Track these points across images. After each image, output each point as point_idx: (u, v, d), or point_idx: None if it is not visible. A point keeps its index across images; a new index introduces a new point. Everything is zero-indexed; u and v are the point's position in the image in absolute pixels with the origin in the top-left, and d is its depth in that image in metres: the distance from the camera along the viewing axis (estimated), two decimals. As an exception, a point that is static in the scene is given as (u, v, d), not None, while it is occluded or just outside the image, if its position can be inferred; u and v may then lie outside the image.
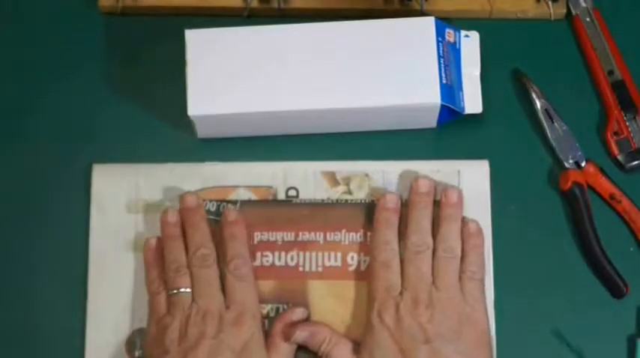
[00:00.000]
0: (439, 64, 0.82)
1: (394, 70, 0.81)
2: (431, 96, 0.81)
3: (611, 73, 0.87)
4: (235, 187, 0.85)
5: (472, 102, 0.84)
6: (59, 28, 0.89)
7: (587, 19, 0.88)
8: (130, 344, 0.82)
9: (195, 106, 0.81)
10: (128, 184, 0.84)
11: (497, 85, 0.87)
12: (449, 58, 0.83)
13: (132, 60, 0.88)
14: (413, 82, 0.81)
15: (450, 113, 0.83)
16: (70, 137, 0.86)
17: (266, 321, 0.80)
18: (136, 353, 0.82)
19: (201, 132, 0.84)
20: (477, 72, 0.85)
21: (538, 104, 0.86)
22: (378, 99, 0.81)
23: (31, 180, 0.86)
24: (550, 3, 0.88)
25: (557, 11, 0.88)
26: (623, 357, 0.82)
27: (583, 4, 0.88)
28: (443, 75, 0.82)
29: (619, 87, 0.86)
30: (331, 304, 0.81)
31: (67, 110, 0.87)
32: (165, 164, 0.85)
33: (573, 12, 0.88)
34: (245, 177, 0.85)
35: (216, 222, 0.82)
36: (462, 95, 0.84)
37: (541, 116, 0.86)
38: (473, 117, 0.86)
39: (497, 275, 0.82)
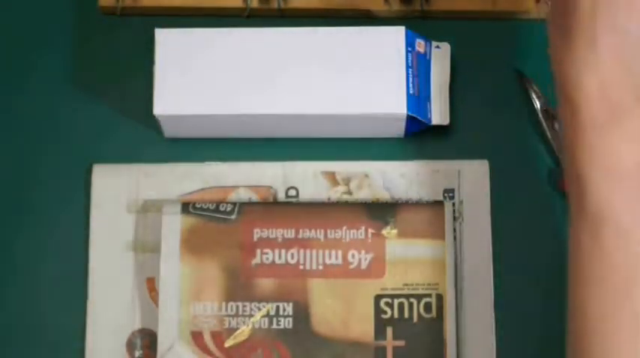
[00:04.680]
0: (407, 74, 0.82)
1: (361, 79, 0.81)
2: (397, 107, 0.81)
3: (611, 73, 0.87)
4: (235, 187, 0.85)
5: (440, 113, 0.84)
6: (59, 28, 0.89)
7: (587, 19, 0.88)
8: (130, 344, 0.82)
9: (161, 106, 0.81)
10: (128, 184, 0.84)
11: (497, 85, 0.87)
12: (418, 69, 0.83)
13: (132, 60, 0.88)
14: (379, 91, 0.81)
15: (418, 123, 0.83)
16: (70, 137, 0.87)
17: (265, 319, 0.81)
18: (136, 354, 0.82)
19: (168, 131, 0.85)
20: (446, 83, 0.85)
21: (538, 104, 0.86)
22: (344, 106, 0.81)
23: (30, 180, 0.86)
24: (550, 3, 0.88)
25: (557, 11, 0.88)
26: (624, 357, 0.82)
27: (583, 4, 0.88)
28: (410, 85, 0.82)
29: (619, 87, 0.86)
30: (332, 303, 0.81)
31: (67, 110, 0.87)
32: (166, 164, 0.85)
33: (573, 12, 0.88)
34: (245, 177, 0.85)
35: (217, 220, 0.82)
36: (430, 106, 0.84)
37: (541, 116, 0.86)
38: (473, 117, 0.86)
39: (497, 275, 0.82)
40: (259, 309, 0.81)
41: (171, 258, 0.82)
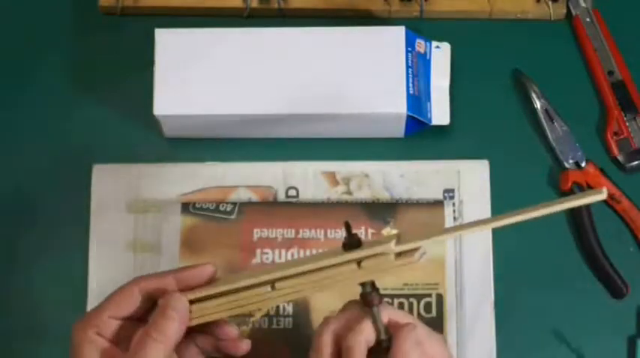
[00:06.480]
0: (407, 74, 0.82)
1: (362, 78, 0.81)
2: (397, 106, 0.81)
3: (611, 73, 0.87)
4: (235, 187, 0.85)
5: (440, 113, 0.85)
6: (59, 28, 0.89)
7: (587, 19, 0.88)
8: (130, 344, 0.82)
9: (161, 106, 0.81)
10: (128, 184, 0.84)
11: (497, 85, 0.87)
12: (418, 69, 0.83)
13: (132, 60, 0.88)
14: (380, 91, 0.81)
15: (418, 123, 0.84)
16: (70, 137, 0.87)
17: (265, 319, 0.81)
18: (136, 354, 0.82)
19: (168, 131, 0.85)
20: (446, 83, 0.85)
21: (538, 104, 0.86)
22: (344, 106, 0.81)
23: (31, 180, 0.86)
24: (550, 3, 0.88)
25: (557, 11, 0.88)
26: (623, 357, 0.82)
27: (583, 4, 0.88)
28: (410, 85, 0.82)
29: (619, 87, 0.86)
30: (332, 302, 0.80)
31: (67, 110, 0.87)
32: (166, 164, 0.85)
33: (573, 12, 0.88)
34: (245, 177, 0.85)
35: (217, 220, 0.82)
36: (430, 106, 0.84)
37: (541, 116, 0.86)
38: (473, 117, 0.86)
39: (497, 275, 0.82)
40: (259, 309, 0.81)
41: (171, 258, 0.82)
